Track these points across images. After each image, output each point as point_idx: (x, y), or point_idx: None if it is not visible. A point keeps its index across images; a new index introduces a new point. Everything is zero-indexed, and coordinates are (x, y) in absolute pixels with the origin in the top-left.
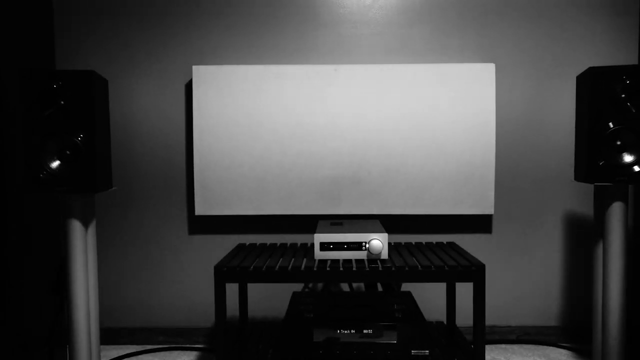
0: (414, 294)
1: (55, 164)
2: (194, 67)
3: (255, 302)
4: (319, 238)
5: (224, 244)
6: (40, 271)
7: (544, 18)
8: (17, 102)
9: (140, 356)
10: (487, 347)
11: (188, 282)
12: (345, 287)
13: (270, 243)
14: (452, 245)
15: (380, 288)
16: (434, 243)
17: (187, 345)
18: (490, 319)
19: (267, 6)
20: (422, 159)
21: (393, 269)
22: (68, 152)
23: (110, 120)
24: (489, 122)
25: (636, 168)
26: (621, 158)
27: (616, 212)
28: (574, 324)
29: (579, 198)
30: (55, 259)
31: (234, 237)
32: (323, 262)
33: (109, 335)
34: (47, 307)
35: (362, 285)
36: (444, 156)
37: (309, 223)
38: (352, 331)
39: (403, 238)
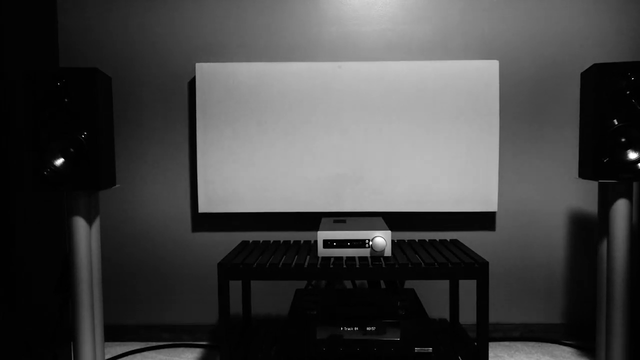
0: (417, 292)
1: (60, 161)
2: (197, 65)
3: (259, 299)
4: (322, 235)
5: (228, 242)
6: (44, 268)
7: (548, 14)
8: (21, 101)
9: (144, 353)
10: (491, 345)
11: (192, 280)
12: (348, 284)
13: (273, 240)
14: (455, 242)
15: (383, 285)
16: (437, 240)
17: (192, 342)
18: (494, 316)
19: (271, 3)
20: (425, 156)
21: (396, 266)
22: (72, 149)
23: (114, 118)
24: (493, 119)
25: None
26: (626, 155)
27: (621, 210)
28: (578, 321)
29: (583, 195)
30: (60, 256)
31: (237, 235)
32: (326, 259)
33: (113, 332)
34: (52, 304)
35: (365, 282)
36: (447, 153)
37: (312, 220)
38: (356, 328)
39: (406, 235)
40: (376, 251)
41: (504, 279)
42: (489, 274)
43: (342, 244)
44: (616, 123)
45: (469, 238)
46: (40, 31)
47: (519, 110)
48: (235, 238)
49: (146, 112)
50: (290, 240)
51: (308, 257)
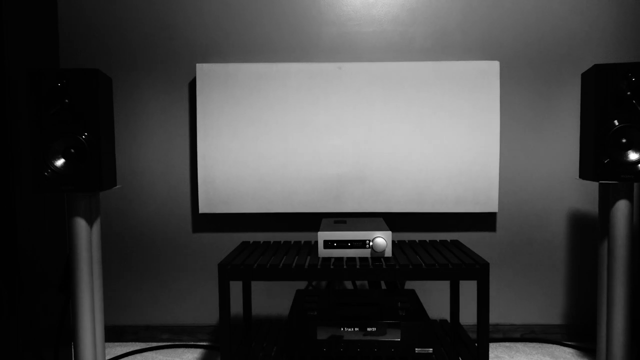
0: (417, 292)
1: (60, 162)
2: (198, 66)
3: (259, 300)
4: (323, 236)
5: (228, 242)
6: (45, 268)
7: (548, 15)
8: (22, 101)
9: (144, 353)
10: (491, 345)
11: (192, 280)
12: (349, 285)
13: (274, 241)
14: (456, 243)
15: (384, 286)
16: (438, 241)
17: (192, 343)
18: (495, 317)
19: (271, 4)
20: (426, 156)
21: (397, 267)
22: (73, 150)
23: (114, 119)
24: (493, 120)
25: None
26: (626, 156)
27: (621, 211)
28: (579, 322)
29: (583, 196)
30: (62, 255)
31: (237, 235)
32: (327, 260)
33: (113, 333)
34: (53, 304)
35: (365, 283)
36: (448, 154)
37: (313, 221)
38: (356, 329)
39: (407, 236)
40: (377, 252)
41: (505, 280)
42: (489, 274)
43: (342, 244)
44: (617, 124)
45: (469, 239)
46: (41, 30)
47: (519, 111)
48: (235, 238)
49: (147, 113)
50: (290, 241)
51: (308, 257)
